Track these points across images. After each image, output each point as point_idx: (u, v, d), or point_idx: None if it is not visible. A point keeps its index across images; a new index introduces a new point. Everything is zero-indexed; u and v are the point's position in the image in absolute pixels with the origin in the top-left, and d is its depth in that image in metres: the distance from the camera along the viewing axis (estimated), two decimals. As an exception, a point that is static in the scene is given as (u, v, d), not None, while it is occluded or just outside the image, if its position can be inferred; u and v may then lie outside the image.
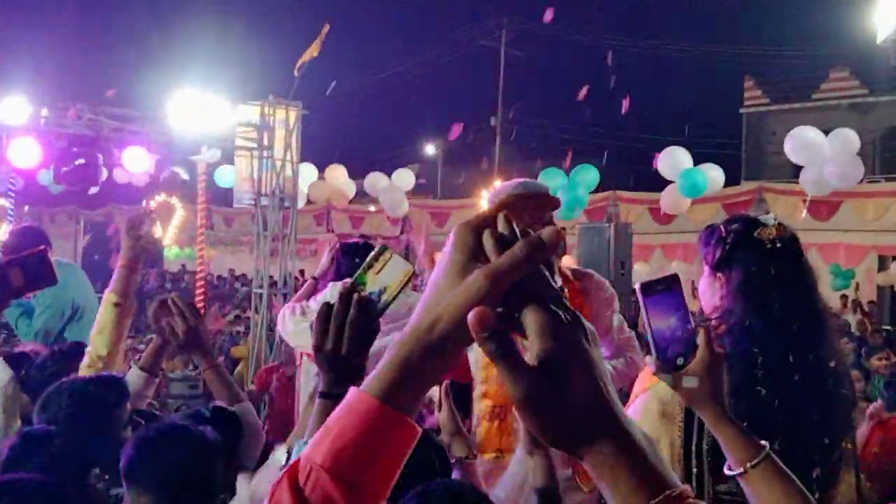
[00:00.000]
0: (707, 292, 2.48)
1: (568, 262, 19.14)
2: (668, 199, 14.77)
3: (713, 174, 14.23)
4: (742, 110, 33.98)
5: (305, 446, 1.63)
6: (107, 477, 2.87)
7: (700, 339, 1.80)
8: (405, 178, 18.95)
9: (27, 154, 9.72)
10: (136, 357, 7.43)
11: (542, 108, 43.58)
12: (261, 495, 2.52)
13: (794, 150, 12.95)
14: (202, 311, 12.58)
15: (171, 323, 3.16)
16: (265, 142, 11.22)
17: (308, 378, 5.03)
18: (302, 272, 18.50)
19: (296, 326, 4.86)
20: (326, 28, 10.98)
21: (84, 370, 3.56)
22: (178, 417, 3.21)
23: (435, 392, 2.99)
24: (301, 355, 5.44)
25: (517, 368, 0.85)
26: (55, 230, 25.79)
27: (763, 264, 2.37)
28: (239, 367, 11.29)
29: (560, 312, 0.86)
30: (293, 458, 0.91)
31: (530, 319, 0.86)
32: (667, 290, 1.80)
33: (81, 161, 10.04)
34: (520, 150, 35.37)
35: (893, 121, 29.59)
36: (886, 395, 6.93)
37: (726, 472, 1.80)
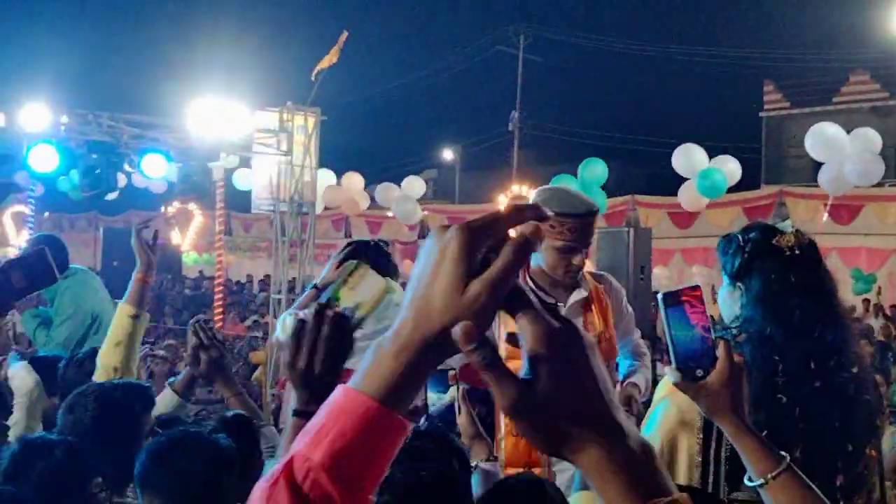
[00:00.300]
0: (727, 301, 2.49)
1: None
2: (686, 196, 14.72)
3: (730, 167, 14.16)
4: (762, 114, 33.86)
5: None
6: (107, 487, 2.86)
7: (720, 351, 1.78)
8: (415, 186, 18.95)
9: (47, 160, 9.77)
10: (155, 362, 7.46)
11: (560, 114, 43.52)
12: None
13: (814, 146, 12.89)
14: (221, 316, 12.65)
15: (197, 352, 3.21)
16: (283, 147, 11.24)
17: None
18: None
19: None
20: (345, 35, 11.01)
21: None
22: (194, 425, 3.20)
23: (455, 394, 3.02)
24: None
25: (504, 378, 0.88)
26: (75, 236, 25.99)
27: (782, 272, 2.36)
28: (257, 373, 11.31)
29: (552, 321, 0.88)
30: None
31: (522, 328, 0.88)
32: (688, 300, 1.79)
33: (100, 168, 10.11)
34: (538, 155, 35.36)
35: (915, 124, 29.40)
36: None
37: (746, 482, 1.78)
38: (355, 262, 1.80)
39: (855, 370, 2.32)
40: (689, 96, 44.34)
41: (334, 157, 15.87)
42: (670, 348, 1.81)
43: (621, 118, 40.51)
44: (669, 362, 1.83)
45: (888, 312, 17.08)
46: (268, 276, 17.96)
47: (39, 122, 9.81)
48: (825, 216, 16.84)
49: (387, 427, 0.90)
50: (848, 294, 16.50)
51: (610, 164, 17.49)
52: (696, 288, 1.82)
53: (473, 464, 2.76)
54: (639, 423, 2.85)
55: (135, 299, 3.66)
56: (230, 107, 10.74)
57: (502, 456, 3.61)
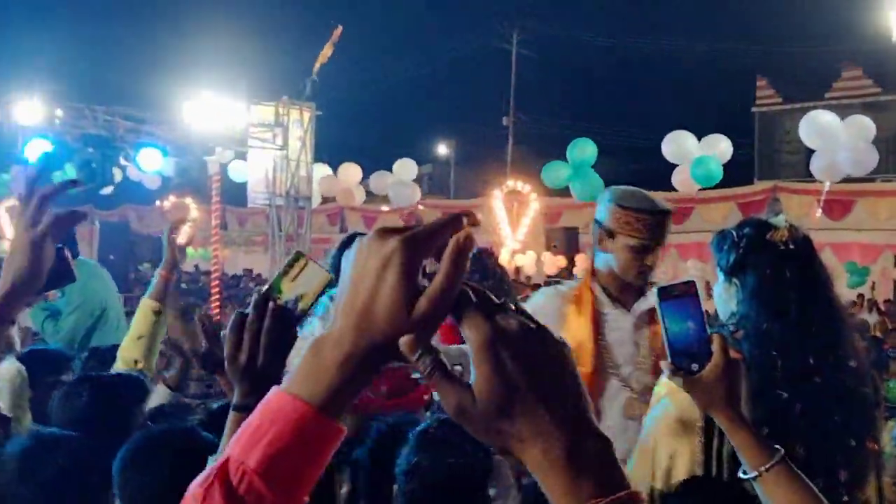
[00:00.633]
0: (723, 297, 2.48)
1: (582, 261, 19.12)
2: (679, 180, 14.73)
3: (721, 147, 14.16)
4: (754, 109, 33.89)
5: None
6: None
7: (715, 345, 1.82)
8: (407, 167, 18.88)
9: (42, 154, 9.77)
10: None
11: (553, 108, 43.51)
12: None
13: (808, 134, 12.91)
14: (218, 310, 12.65)
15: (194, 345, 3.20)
16: (279, 142, 11.26)
17: None
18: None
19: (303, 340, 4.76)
20: (339, 30, 11.03)
21: None
22: (177, 420, 3.17)
23: None
24: None
25: (446, 384, 0.88)
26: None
27: (777, 267, 2.36)
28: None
29: (496, 321, 0.89)
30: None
31: (464, 332, 0.89)
32: (683, 294, 1.82)
33: (96, 161, 10.11)
34: (531, 149, 35.35)
35: (907, 119, 29.47)
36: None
37: (740, 475, 1.81)
38: (297, 252, 1.81)
39: (853, 364, 2.33)
40: (682, 91, 44.33)
41: (329, 151, 15.90)
42: (665, 342, 1.84)
43: (614, 113, 40.52)
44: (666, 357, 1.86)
45: (882, 307, 17.15)
46: (259, 274, 18.02)
47: (35, 116, 9.83)
48: (818, 212, 16.90)
49: (323, 433, 0.90)
50: (843, 288, 16.57)
51: (602, 159, 17.51)
52: (691, 282, 1.85)
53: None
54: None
55: (159, 295, 3.71)
56: (226, 102, 10.77)
57: None
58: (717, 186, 16.24)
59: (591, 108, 43.65)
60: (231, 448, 0.91)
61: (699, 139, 14.49)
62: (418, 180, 21.52)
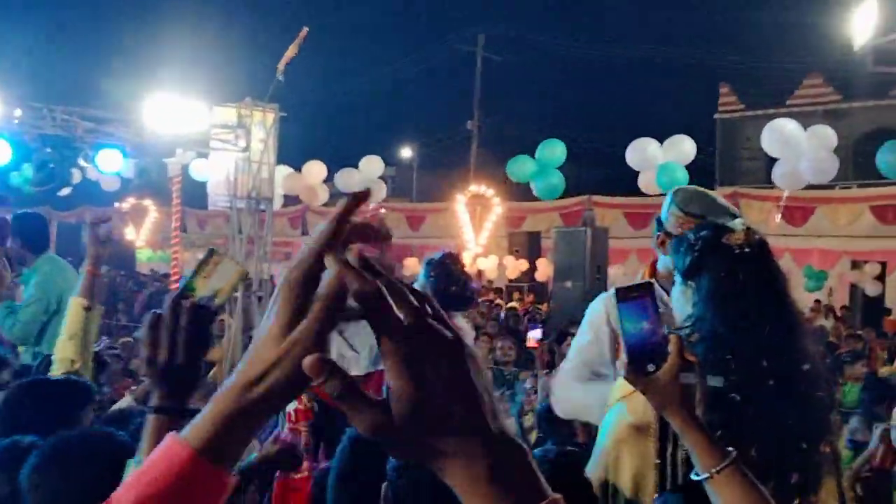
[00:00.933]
0: (680, 300, 2.48)
1: (544, 266, 19.19)
2: (645, 183, 14.82)
3: (685, 148, 14.26)
4: (716, 116, 34.23)
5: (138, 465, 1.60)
6: None
7: (671, 346, 1.82)
8: (374, 164, 18.85)
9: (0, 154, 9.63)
10: (117, 360, 7.38)
11: (518, 113, 43.65)
12: None
13: (770, 142, 13.05)
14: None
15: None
16: (241, 144, 11.17)
17: None
18: (271, 277, 18.41)
19: None
20: (305, 31, 10.94)
21: (55, 376, 3.55)
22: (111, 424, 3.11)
23: None
24: None
25: (357, 404, 0.84)
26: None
27: (732, 270, 2.36)
28: (214, 370, 11.23)
29: (410, 337, 0.85)
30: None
31: (380, 348, 0.85)
32: (641, 296, 1.83)
33: (54, 162, 9.98)
34: (495, 154, 35.43)
35: (866, 127, 29.90)
36: (867, 400, 7.02)
37: (692, 477, 1.82)
38: (210, 249, 1.79)
39: (807, 367, 2.33)
40: (645, 97, 44.69)
41: (292, 154, 15.81)
42: (623, 343, 1.84)
43: (578, 118, 40.74)
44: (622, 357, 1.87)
45: (839, 314, 17.35)
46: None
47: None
48: (778, 217, 17.08)
49: (201, 479, 0.87)
50: (800, 292, 16.74)
51: (567, 164, 17.57)
52: (650, 284, 1.85)
53: None
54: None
55: (86, 292, 3.66)
56: (187, 102, 10.66)
57: None
58: (677, 192, 16.28)
59: (555, 113, 43.86)
60: (120, 487, 0.89)
61: (662, 142, 14.59)
62: (382, 180, 21.52)
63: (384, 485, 2.46)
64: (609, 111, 44.66)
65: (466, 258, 18.52)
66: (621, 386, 2.32)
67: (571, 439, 5.84)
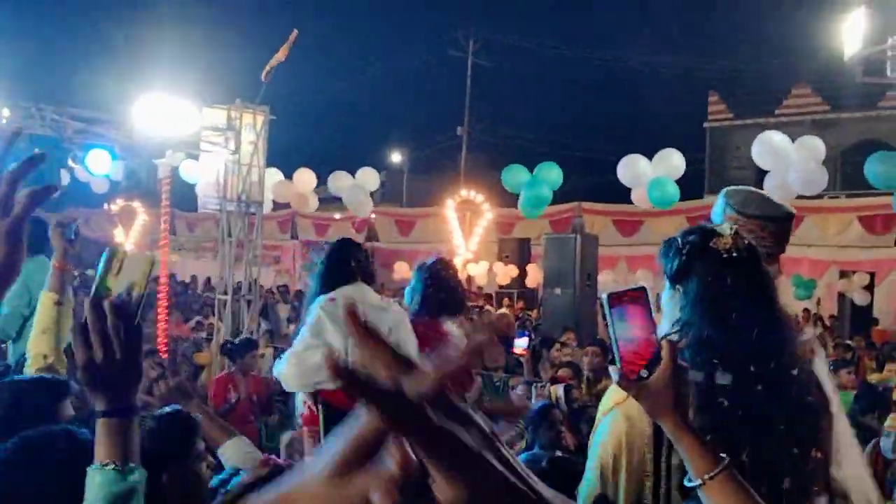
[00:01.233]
0: (668, 305, 2.46)
1: (534, 272, 19.19)
2: (638, 197, 14.86)
3: (675, 162, 14.30)
4: (706, 124, 34.34)
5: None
6: None
7: (664, 352, 1.81)
8: (370, 177, 18.81)
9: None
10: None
11: (508, 118, 43.73)
12: None
13: (760, 155, 13.10)
14: (166, 316, 12.50)
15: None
16: (231, 146, 11.15)
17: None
18: (255, 281, 18.34)
19: (301, 363, 4.52)
20: (295, 34, 10.94)
21: (30, 372, 3.54)
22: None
23: None
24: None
25: None
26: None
27: (719, 274, 2.35)
28: (203, 375, 11.19)
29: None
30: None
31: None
32: (633, 301, 1.82)
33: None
34: (485, 159, 35.49)
35: (854, 138, 30.03)
36: (857, 408, 7.04)
37: (685, 483, 1.81)
38: (109, 249, 1.78)
39: (796, 372, 2.32)
40: (635, 105, 44.81)
41: (282, 156, 15.79)
42: (614, 348, 1.83)
43: (568, 125, 40.83)
44: (614, 363, 1.85)
45: (827, 323, 17.40)
46: (207, 279, 17.84)
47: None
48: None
49: None
50: (790, 300, 16.77)
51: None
52: (641, 289, 1.84)
53: None
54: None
55: (56, 286, 3.67)
56: (177, 103, 10.64)
57: None
58: (667, 200, 16.41)
59: (545, 119, 43.94)
60: None
61: (652, 155, 14.63)
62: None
63: None
64: (599, 118, 44.77)
65: (457, 264, 18.52)
66: (615, 392, 2.31)
67: (559, 443, 5.87)
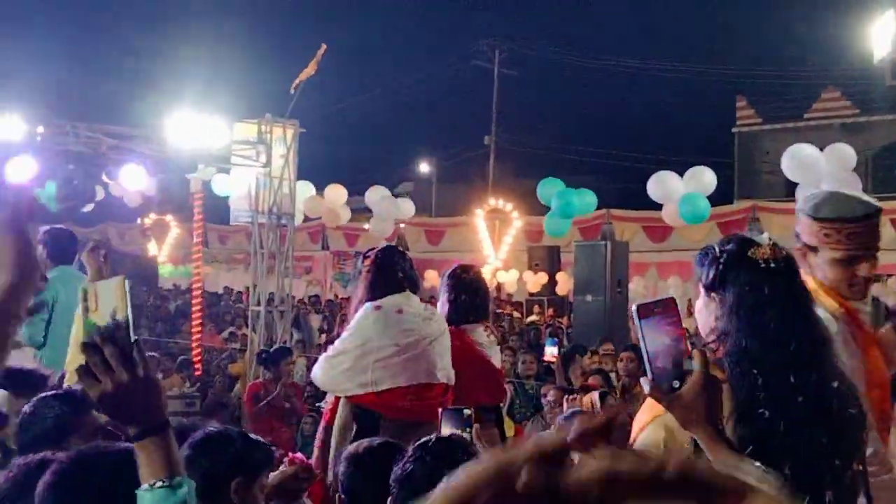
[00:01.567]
0: (703, 313, 2.45)
1: (564, 279, 19.17)
2: (667, 214, 14.83)
3: (707, 179, 14.26)
4: (734, 129, 34.15)
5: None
6: None
7: (696, 362, 1.83)
8: (405, 207, 19.08)
9: (23, 171, 9.74)
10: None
11: (535, 127, 43.70)
12: None
13: (790, 167, 13.03)
14: (199, 328, 12.63)
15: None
16: (262, 159, 11.26)
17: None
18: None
19: (332, 368, 4.54)
20: (323, 48, 11.05)
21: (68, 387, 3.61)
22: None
23: None
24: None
25: None
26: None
27: (757, 284, 2.32)
28: (237, 386, 11.30)
29: None
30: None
31: None
32: (662, 312, 1.85)
33: (78, 179, 10.08)
34: (513, 168, 35.51)
35: (885, 140, 29.74)
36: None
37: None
38: (81, 289, 1.83)
39: (836, 385, 2.31)
40: (663, 111, 44.62)
41: (312, 169, 15.90)
42: (645, 359, 1.86)
43: (595, 132, 40.75)
44: (646, 374, 1.89)
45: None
46: (248, 288, 17.96)
47: (16, 133, 9.79)
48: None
49: None
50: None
51: (584, 178, 17.57)
52: (671, 299, 1.87)
53: None
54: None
55: None
56: (208, 118, 10.76)
57: None
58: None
59: (572, 128, 43.87)
60: None
61: (681, 164, 14.61)
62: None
63: (388, 499, 2.52)
64: (626, 125, 44.66)
65: (486, 272, 18.53)
66: (654, 405, 2.31)
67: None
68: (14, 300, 1.49)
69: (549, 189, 15.80)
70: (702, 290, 2.47)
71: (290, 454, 3.67)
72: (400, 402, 4.38)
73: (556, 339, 9.69)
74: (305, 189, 15.47)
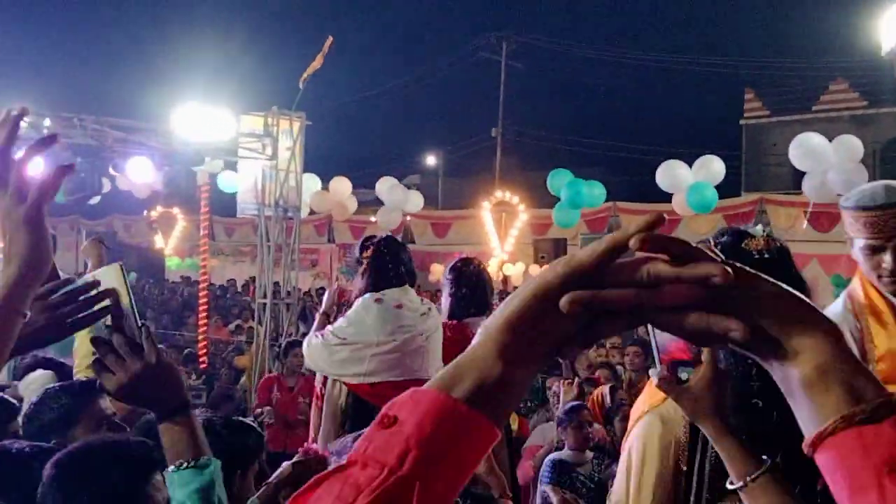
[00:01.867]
0: None
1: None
2: (677, 203, 14.82)
3: (715, 169, 14.25)
4: (742, 121, 34.08)
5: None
6: None
7: (704, 354, 1.83)
8: (415, 199, 19.14)
9: (31, 165, 9.75)
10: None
11: (542, 120, 43.65)
12: None
13: (798, 156, 13.00)
14: (206, 320, 12.64)
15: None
16: (268, 152, 11.26)
17: (332, 399, 4.74)
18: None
19: (331, 355, 4.59)
20: (330, 41, 11.03)
21: (78, 376, 3.62)
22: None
23: None
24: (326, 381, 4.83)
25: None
26: (57, 240, 25.82)
27: None
28: (243, 379, 11.31)
29: None
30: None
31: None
32: None
33: (85, 171, 10.11)
34: (520, 161, 35.49)
35: (893, 132, 29.67)
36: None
37: (728, 486, 1.82)
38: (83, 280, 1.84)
39: None
40: (670, 103, 44.55)
41: (318, 161, 15.92)
42: (654, 350, 1.85)
43: (602, 125, 40.71)
44: (654, 366, 1.88)
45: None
46: (251, 279, 17.96)
47: (22, 125, 9.80)
48: (805, 223, 16.97)
49: (480, 434, 0.83)
50: (829, 301, 16.56)
51: (591, 171, 17.54)
52: None
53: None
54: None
55: None
56: (215, 111, 10.76)
57: None
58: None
59: (578, 120, 43.81)
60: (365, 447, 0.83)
61: (688, 155, 14.57)
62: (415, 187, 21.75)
63: None
64: (634, 118, 44.59)
65: (493, 265, 18.52)
66: (649, 396, 2.32)
67: (586, 443, 5.91)
68: (20, 292, 1.47)
69: (559, 180, 15.79)
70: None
71: (306, 444, 3.69)
72: (392, 394, 4.39)
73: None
74: (311, 182, 15.48)
